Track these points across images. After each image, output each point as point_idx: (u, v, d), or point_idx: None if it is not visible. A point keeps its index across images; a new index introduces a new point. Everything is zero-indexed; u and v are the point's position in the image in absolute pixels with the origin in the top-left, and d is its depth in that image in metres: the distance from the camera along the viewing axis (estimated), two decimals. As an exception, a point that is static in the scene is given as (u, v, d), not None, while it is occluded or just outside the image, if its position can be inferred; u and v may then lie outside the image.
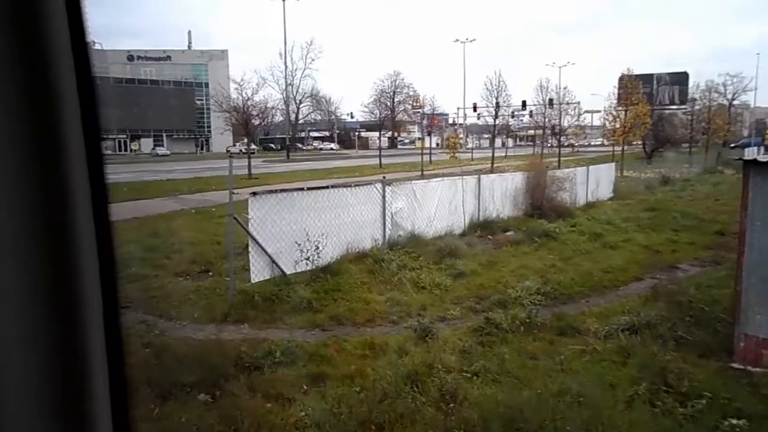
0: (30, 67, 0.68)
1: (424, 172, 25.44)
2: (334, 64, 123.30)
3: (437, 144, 69.96)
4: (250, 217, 7.05)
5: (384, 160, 35.35)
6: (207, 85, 67.71)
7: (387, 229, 9.23)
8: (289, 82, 59.29)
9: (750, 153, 27.53)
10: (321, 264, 7.80)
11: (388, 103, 41.85)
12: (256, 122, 27.12)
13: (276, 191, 7.72)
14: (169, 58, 69.42)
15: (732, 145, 48.96)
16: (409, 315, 6.71)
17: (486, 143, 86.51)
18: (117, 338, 0.79)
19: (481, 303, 7.12)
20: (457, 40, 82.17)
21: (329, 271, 7.77)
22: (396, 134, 61.67)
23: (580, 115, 38.79)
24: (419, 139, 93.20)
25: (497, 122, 49.75)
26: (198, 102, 68.72)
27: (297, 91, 72.19)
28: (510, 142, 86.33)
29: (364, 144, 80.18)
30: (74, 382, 0.72)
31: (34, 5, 0.69)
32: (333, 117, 79.17)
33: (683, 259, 9.59)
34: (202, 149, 65.75)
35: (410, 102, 60.73)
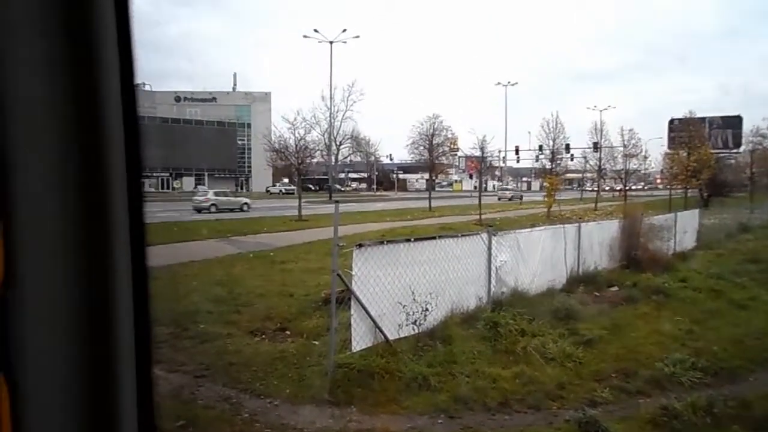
0: (81, 105, 0.75)
1: (482, 216, 24.31)
2: (375, 106, 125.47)
3: (474, 187, 69.34)
4: (354, 273, 5.97)
5: (426, 203, 34.55)
6: (249, 125, 69.07)
7: (492, 285, 8.18)
8: (331, 123, 59.54)
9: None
10: (427, 328, 6.70)
11: (427, 145, 41.26)
12: (308, 161, 26.73)
13: (382, 243, 6.70)
14: (214, 99, 71.35)
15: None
16: (549, 396, 5.55)
17: (522, 186, 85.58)
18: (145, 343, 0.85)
19: (631, 381, 6.01)
20: (498, 83, 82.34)
21: (437, 336, 6.66)
22: (434, 176, 61.18)
23: (646, 158, 37.16)
24: (457, 181, 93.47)
25: (536, 165, 48.60)
26: (240, 142, 69.88)
27: (338, 133, 72.95)
28: (535, 185, 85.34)
29: (402, 186, 79.68)
30: (102, 380, 0.79)
31: (90, 46, 0.76)
32: (372, 158, 79.52)
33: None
34: (241, 188, 66.32)
35: (448, 144, 60.38)
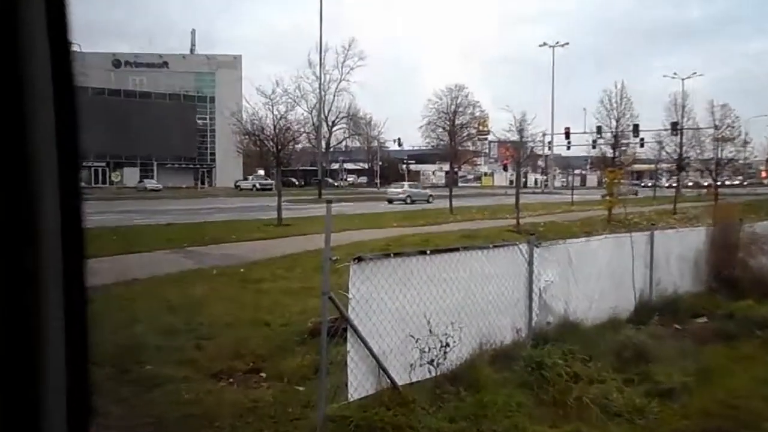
0: None
1: (521, 221, 24.30)
2: (379, 75, 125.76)
3: (510, 182, 69.30)
4: (351, 295, 5.99)
5: (446, 202, 34.85)
6: (213, 99, 69.49)
7: (534, 313, 8.22)
8: (320, 97, 59.91)
9: None
10: (447, 369, 6.72)
11: (447, 126, 41.47)
12: (291, 147, 26.89)
13: (388, 256, 6.70)
14: (165, 64, 71.75)
15: None
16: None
17: (576, 181, 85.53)
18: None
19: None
20: (543, 45, 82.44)
21: (462, 380, 6.65)
22: (457, 167, 61.14)
23: (747, 143, 36.35)
24: (486, 174, 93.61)
25: (593, 152, 48.50)
26: (200, 121, 70.20)
27: (330, 110, 73.28)
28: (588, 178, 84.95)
29: (415, 180, 79.98)
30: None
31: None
32: (374, 144, 79.79)
33: None
34: (203, 183, 66.73)
35: (476, 125, 60.65)
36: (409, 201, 43.96)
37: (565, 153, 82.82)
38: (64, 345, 0.86)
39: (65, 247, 0.82)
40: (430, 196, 46.16)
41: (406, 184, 50.68)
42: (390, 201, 43.06)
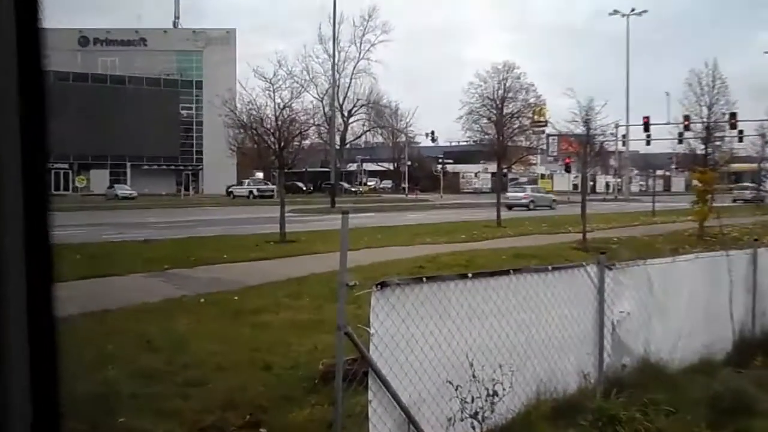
0: None
1: (589, 235, 24.21)
2: (407, 53, 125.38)
3: (574, 186, 68.79)
4: (373, 330, 6.02)
5: (492, 213, 34.81)
6: (200, 84, 70.15)
7: (605, 354, 8.21)
8: (334, 80, 60.40)
9: None
10: (495, 424, 6.75)
11: (494, 116, 41.28)
12: (297, 143, 27.21)
13: (420, 281, 6.72)
14: (143, 41, 72.72)
15: None
16: None
17: (657, 184, 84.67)
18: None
19: None
20: (614, 13, 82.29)
21: None
22: (507, 168, 60.67)
23: None
24: (544, 176, 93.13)
25: (678, 148, 48.00)
26: (184, 112, 70.98)
27: (345, 96, 73.45)
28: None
29: (453, 184, 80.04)
30: None
31: None
32: (402, 138, 79.96)
33: None
34: (187, 189, 67.23)
35: (530, 114, 60.59)
36: (532, 206, 49.13)
37: (643, 149, 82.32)
38: (29, 385, 0.87)
39: (29, 269, 0.85)
40: (554, 200, 51.88)
41: (528, 187, 56.57)
42: (510, 207, 45.54)
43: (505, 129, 37.70)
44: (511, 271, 7.76)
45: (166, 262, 18.49)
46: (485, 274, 7.59)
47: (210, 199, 61.04)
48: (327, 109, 64.99)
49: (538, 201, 50.68)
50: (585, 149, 30.75)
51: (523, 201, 49.69)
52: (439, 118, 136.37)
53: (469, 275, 7.25)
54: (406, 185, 78.50)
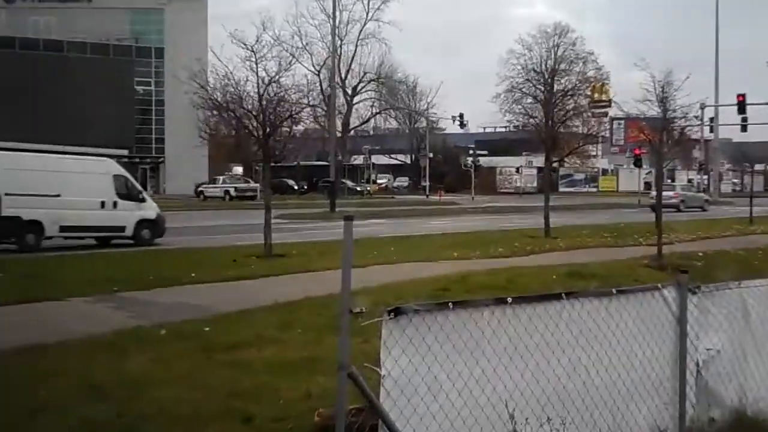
0: None
1: (665, 248, 24.11)
2: (426, 13, 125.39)
3: (646, 185, 68.48)
4: (385, 371, 5.93)
5: (538, 219, 35.48)
6: (162, 52, 70.31)
7: (688, 403, 8.08)
8: (334, 47, 60.59)
9: None
10: None
11: (541, 94, 41.09)
12: (286, 129, 27.24)
13: (445, 306, 6.63)
14: (87, -6, 72.98)
15: None
16: None
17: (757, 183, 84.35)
18: None
19: None
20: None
21: None
22: (557, 161, 60.10)
23: None
24: (607, 172, 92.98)
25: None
26: (140, 88, 71.17)
27: (349, 67, 73.09)
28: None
29: (488, 181, 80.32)
30: None
31: None
32: (422, 122, 79.96)
33: None
34: (144, 188, 67.60)
35: (589, 90, 60.48)
36: (683, 207, 53.03)
37: (738, 137, 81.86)
38: None
39: None
40: (706, 201, 55.40)
41: (678, 185, 59.12)
42: (653, 209, 46.31)
43: (556, 110, 37.58)
44: (564, 295, 7.63)
45: (116, 282, 18.52)
46: (530, 299, 7.43)
47: (174, 202, 60.92)
48: (325, 85, 65.09)
49: (688, 201, 54.28)
50: (661, 137, 30.38)
51: (673, 201, 51.79)
52: (469, 98, 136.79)
53: (509, 300, 7.13)
54: (427, 184, 78.67)
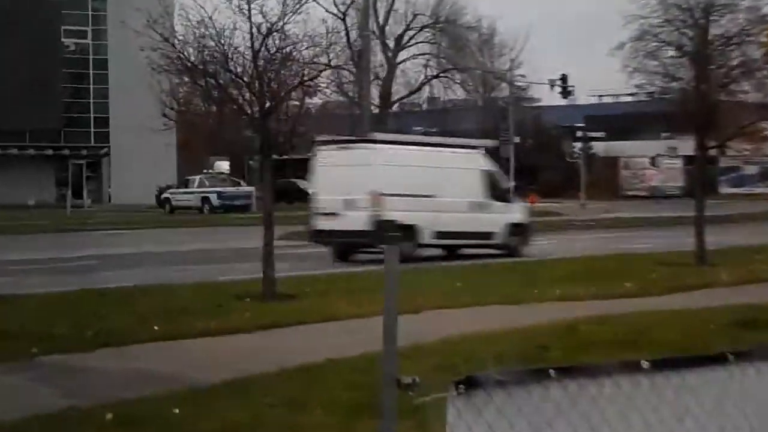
0: None
1: None
2: None
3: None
4: None
5: (686, 235, 36.17)
6: (105, -4, 71.07)
7: None
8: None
9: None
10: None
11: (689, 43, 40.88)
12: (295, 103, 27.17)
13: (545, 374, 6.67)
14: None
15: None
16: None
17: None
18: None
19: None
20: None
21: None
22: (716, 149, 59.04)
23: None
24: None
25: None
26: (71, 42, 72.14)
27: (390, 10, 72.82)
28: None
29: (610, 180, 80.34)
30: None
31: None
32: (502, 93, 79.95)
33: None
34: (78, 195, 67.90)
35: (760, 38, 60.31)
36: None
37: None
38: None
39: None
40: None
41: None
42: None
43: (713, 68, 37.24)
44: (730, 356, 7.65)
45: (36, 340, 18.63)
46: (676, 362, 7.43)
47: (124, 215, 61.25)
48: (355, 35, 65.05)
49: None
50: None
51: None
52: (575, 52, 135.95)
53: (644, 364, 7.16)
54: (512, 183, 78.35)
